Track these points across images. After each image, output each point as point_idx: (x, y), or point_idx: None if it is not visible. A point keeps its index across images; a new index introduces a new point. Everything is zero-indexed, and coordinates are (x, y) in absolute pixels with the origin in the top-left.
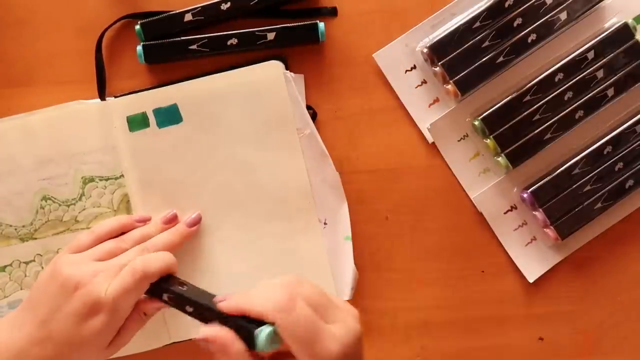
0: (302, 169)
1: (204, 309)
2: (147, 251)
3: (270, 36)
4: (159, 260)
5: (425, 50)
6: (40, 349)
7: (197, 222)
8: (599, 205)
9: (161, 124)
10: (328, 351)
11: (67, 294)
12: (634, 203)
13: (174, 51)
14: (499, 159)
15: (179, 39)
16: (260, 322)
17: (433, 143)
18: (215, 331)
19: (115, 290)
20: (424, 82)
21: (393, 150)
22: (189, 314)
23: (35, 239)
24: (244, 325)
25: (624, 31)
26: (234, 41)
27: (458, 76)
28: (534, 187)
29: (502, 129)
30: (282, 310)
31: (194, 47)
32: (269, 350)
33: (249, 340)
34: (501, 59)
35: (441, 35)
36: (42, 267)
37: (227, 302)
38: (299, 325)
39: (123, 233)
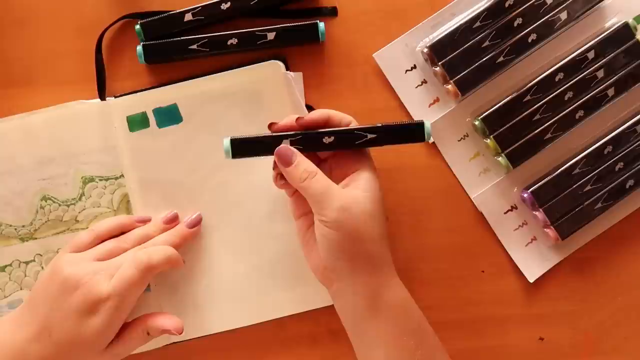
0: None
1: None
2: None
3: (270, 36)
4: (162, 251)
5: (425, 50)
6: (40, 348)
7: (197, 223)
8: (599, 205)
9: (161, 123)
10: None
11: (67, 293)
12: (634, 203)
13: (174, 51)
14: (499, 159)
15: (179, 39)
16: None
17: (433, 143)
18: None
19: (118, 282)
20: (424, 82)
21: (393, 150)
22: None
23: (35, 239)
24: (408, 123)
25: (624, 31)
26: (234, 41)
27: (458, 76)
28: (534, 187)
29: (502, 129)
30: None
31: (194, 47)
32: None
33: (416, 134)
34: (501, 59)
35: (441, 35)
36: (42, 267)
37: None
38: None
39: (122, 233)
